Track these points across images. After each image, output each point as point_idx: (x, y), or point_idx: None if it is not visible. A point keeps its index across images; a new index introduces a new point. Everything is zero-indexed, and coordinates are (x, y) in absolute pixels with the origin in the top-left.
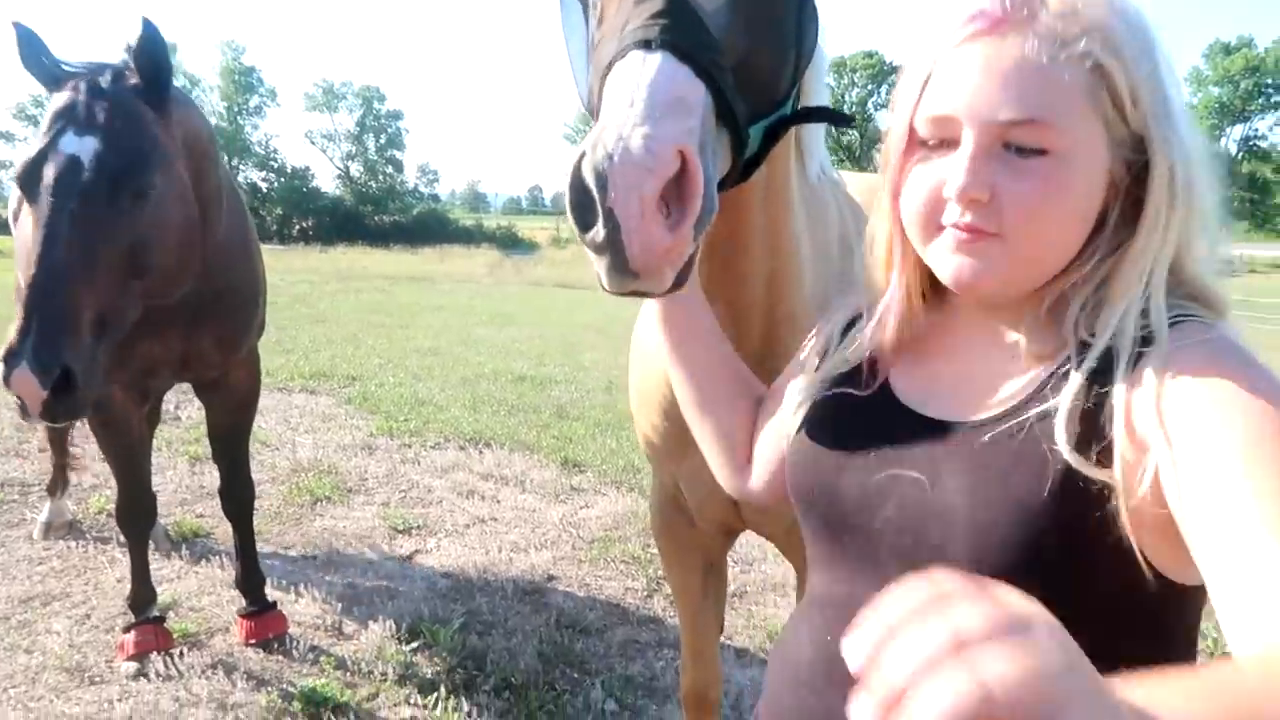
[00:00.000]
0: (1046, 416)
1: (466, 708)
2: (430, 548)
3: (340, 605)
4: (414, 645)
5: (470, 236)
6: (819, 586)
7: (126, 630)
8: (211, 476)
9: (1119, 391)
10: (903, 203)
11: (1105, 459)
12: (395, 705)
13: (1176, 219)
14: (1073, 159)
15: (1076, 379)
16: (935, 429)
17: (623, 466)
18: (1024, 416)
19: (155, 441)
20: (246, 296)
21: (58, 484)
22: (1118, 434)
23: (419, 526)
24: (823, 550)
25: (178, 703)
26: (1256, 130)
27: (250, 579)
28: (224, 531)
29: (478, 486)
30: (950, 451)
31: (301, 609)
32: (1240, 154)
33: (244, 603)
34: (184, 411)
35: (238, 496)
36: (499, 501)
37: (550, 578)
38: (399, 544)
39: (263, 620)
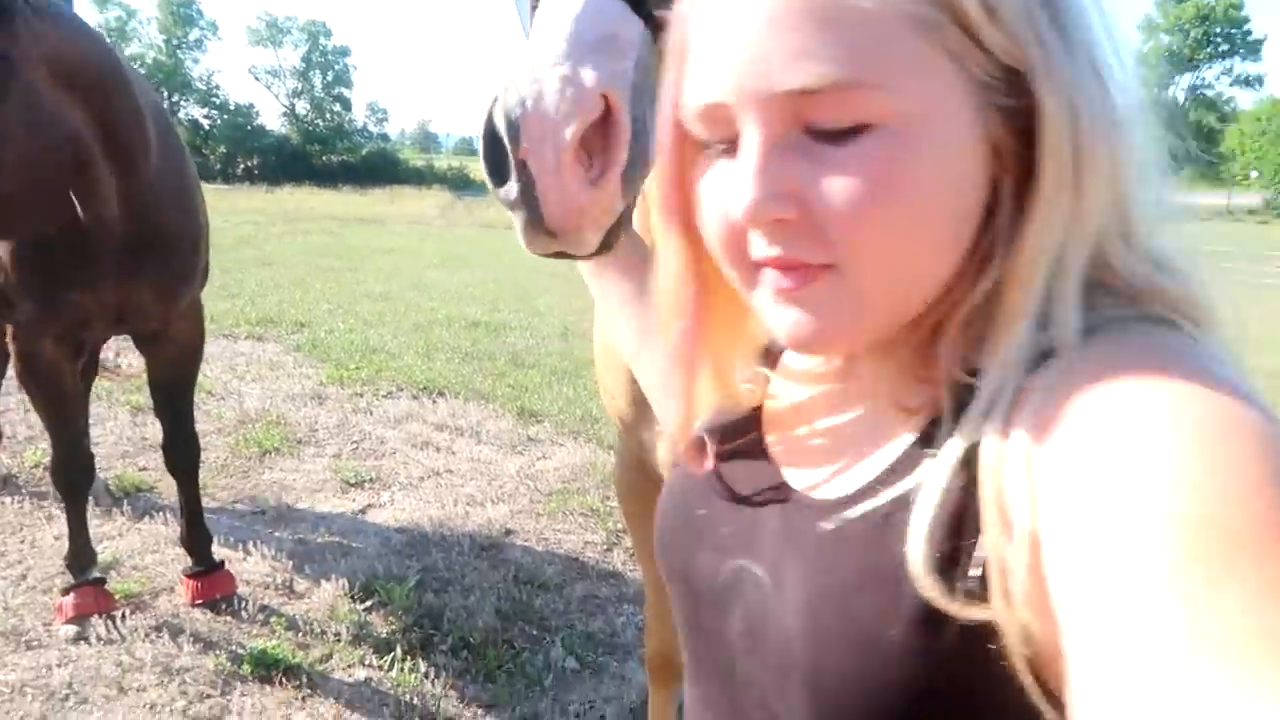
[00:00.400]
0: (904, 505)
1: (424, 668)
2: (384, 501)
3: (291, 563)
4: (368, 604)
5: (421, 177)
6: (688, 686)
7: (65, 592)
8: (154, 428)
9: (989, 454)
10: (704, 235)
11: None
12: (349, 666)
13: (1089, 185)
14: (913, 129)
15: (948, 445)
16: (789, 505)
17: (580, 416)
18: (876, 501)
19: (94, 390)
20: (185, 242)
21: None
22: (989, 528)
23: (372, 479)
24: (686, 643)
25: (120, 667)
26: (1204, 79)
27: (196, 537)
28: (168, 486)
29: (432, 437)
30: (795, 543)
31: (250, 567)
32: (1188, 102)
33: (189, 562)
34: (124, 360)
35: (182, 452)
36: (454, 453)
37: (508, 532)
38: (351, 498)
39: (210, 580)
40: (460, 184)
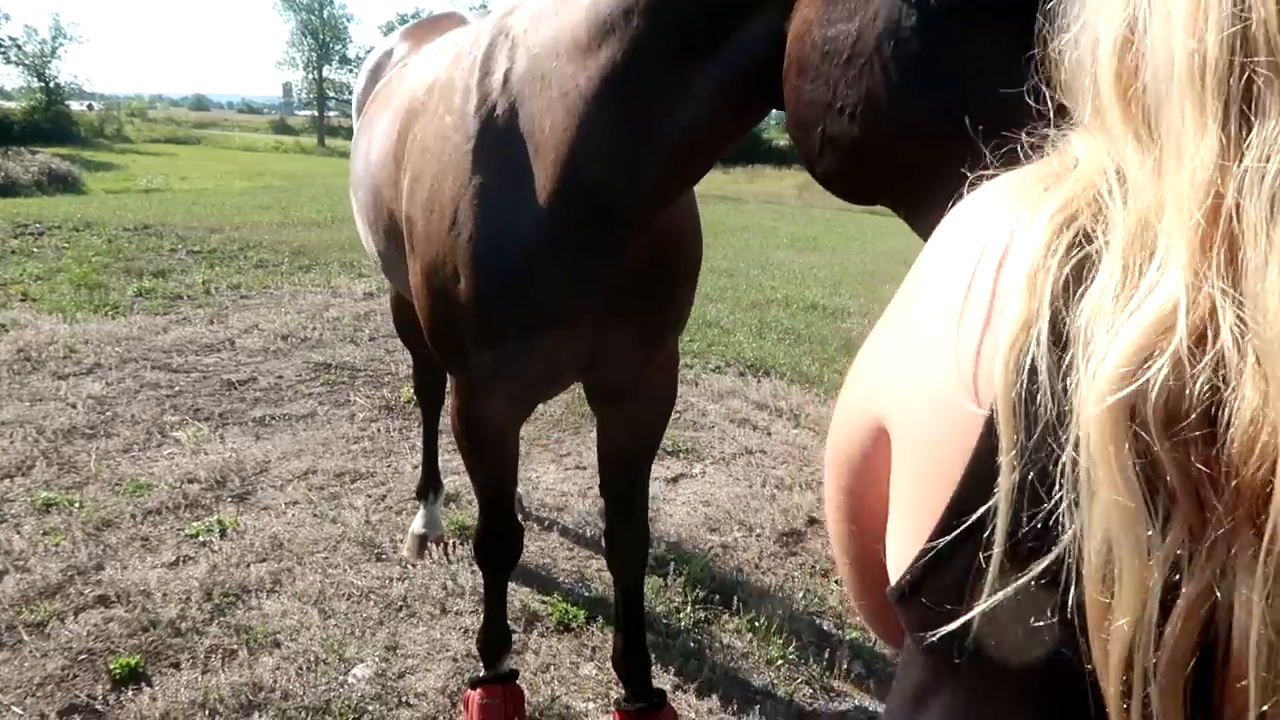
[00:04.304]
0: None
1: (707, 642)
2: (696, 473)
3: (600, 520)
4: (664, 572)
5: (782, 156)
6: None
7: (474, 686)
8: None
9: None
10: None
11: None
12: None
13: None
14: None
15: None
16: None
17: None
18: None
19: None
20: (690, 263)
21: (428, 487)
22: None
23: (688, 450)
24: None
25: (445, 591)
26: None
27: (633, 661)
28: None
29: (751, 415)
30: None
31: (567, 520)
32: None
33: (621, 691)
34: None
35: (632, 542)
36: (770, 434)
37: (811, 520)
38: (666, 465)
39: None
40: None
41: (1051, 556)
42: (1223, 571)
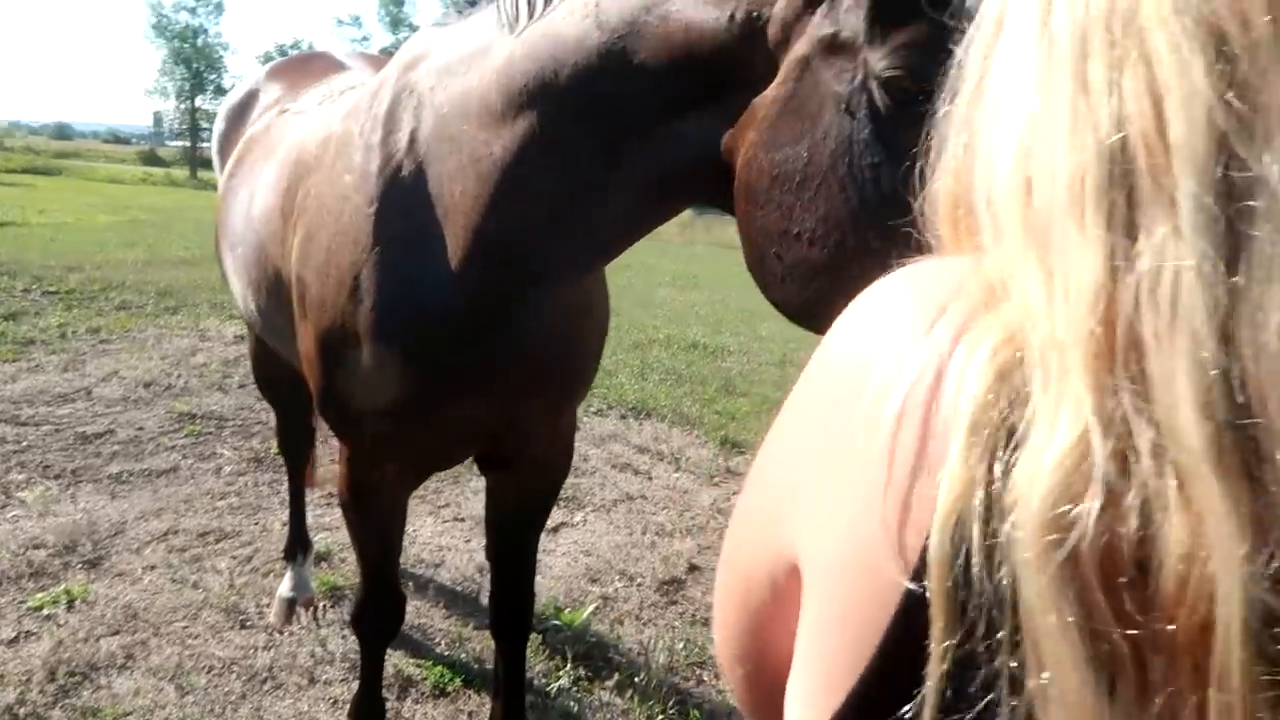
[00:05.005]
0: None
1: (587, 701)
2: (576, 521)
3: (480, 576)
4: (544, 627)
5: None
6: None
7: None
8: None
9: None
10: None
11: None
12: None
13: None
14: None
15: None
16: None
17: None
18: None
19: None
20: (603, 318)
21: (296, 546)
22: None
23: (568, 498)
24: None
25: (314, 658)
26: None
27: None
28: None
29: (633, 460)
30: None
31: (443, 575)
32: None
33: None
34: None
35: (519, 608)
36: (652, 479)
37: (693, 568)
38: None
39: None
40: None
41: None
42: None
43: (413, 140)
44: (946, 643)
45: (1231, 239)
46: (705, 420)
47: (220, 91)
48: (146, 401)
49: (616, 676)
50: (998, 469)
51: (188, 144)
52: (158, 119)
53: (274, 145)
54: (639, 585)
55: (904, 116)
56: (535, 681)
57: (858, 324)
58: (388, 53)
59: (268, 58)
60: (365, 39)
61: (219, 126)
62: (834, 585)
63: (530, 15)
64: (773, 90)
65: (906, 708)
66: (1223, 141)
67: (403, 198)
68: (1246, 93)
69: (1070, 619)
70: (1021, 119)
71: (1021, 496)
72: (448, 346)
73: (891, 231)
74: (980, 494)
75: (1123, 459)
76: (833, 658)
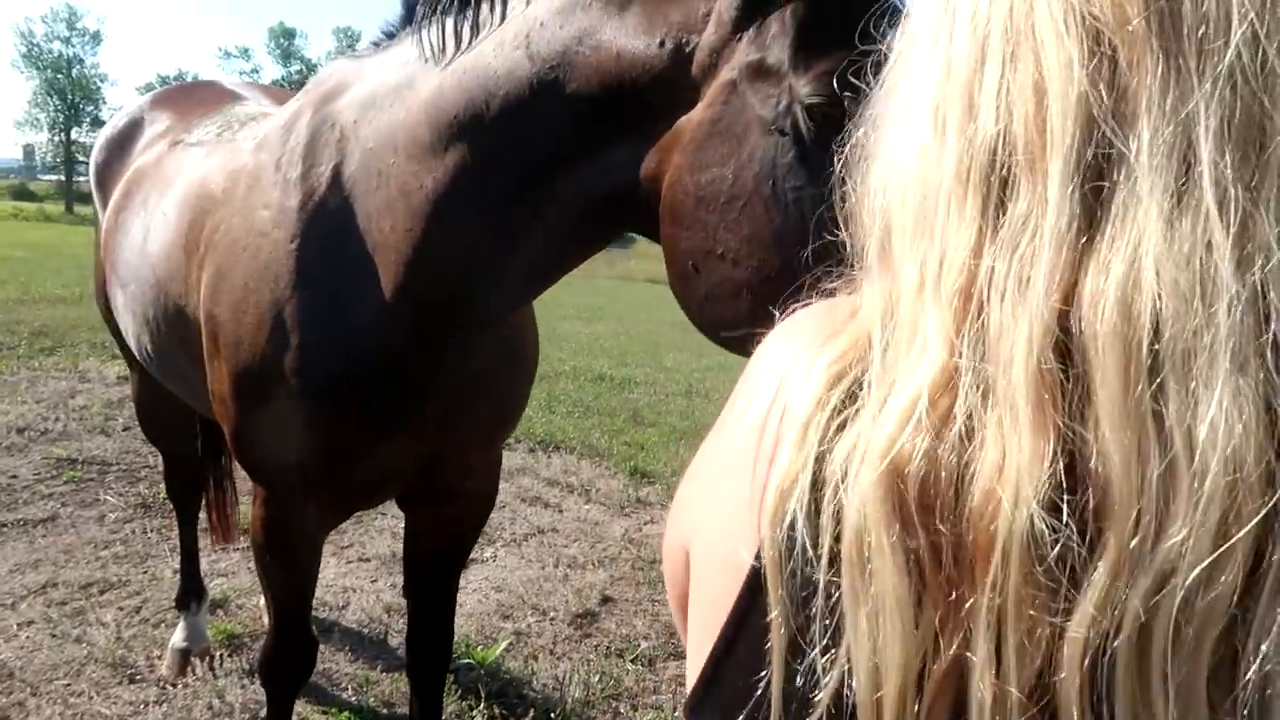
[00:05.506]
0: None
1: None
2: (487, 557)
3: (387, 616)
4: (454, 667)
5: None
6: None
7: None
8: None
9: None
10: None
11: None
12: None
13: None
14: None
15: None
16: None
17: None
18: None
19: None
20: (532, 349)
21: (189, 594)
22: None
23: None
24: None
25: (211, 711)
26: None
27: None
28: None
29: (543, 493)
30: None
31: (349, 617)
32: None
33: None
34: None
35: (438, 646)
36: (562, 511)
37: (606, 599)
38: None
39: None
40: None
41: (817, 711)
42: (966, 633)
43: (336, 175)
44: (777, 610)
45: (1087, 208)
46: (614, 451)
47: (98, 123)
48: (21, 448)
49: (532, 713)
50: (828, 451)
51: (62, 178)
52: (29, 152)
53: (170, 178)
54: (552, 619)
55: (827, 141)
56: None
57: (758, 350)
58: (280, 85)
59: (149, 88)
60: (255, 71)
61: (98, 157)
62: (705, 565)
63: (457, 47)
64: (698, 113)
65: (758, 672)
66: (1093, 127)
67: (327, 233)
68: (1118, 80)
69: (895, 531)
70: (918, 130)
71: (855, 453)
72: (377, 383)
73: (813, 252)
74: (806, 477)
75: (950, 404)
76: (704, 630)
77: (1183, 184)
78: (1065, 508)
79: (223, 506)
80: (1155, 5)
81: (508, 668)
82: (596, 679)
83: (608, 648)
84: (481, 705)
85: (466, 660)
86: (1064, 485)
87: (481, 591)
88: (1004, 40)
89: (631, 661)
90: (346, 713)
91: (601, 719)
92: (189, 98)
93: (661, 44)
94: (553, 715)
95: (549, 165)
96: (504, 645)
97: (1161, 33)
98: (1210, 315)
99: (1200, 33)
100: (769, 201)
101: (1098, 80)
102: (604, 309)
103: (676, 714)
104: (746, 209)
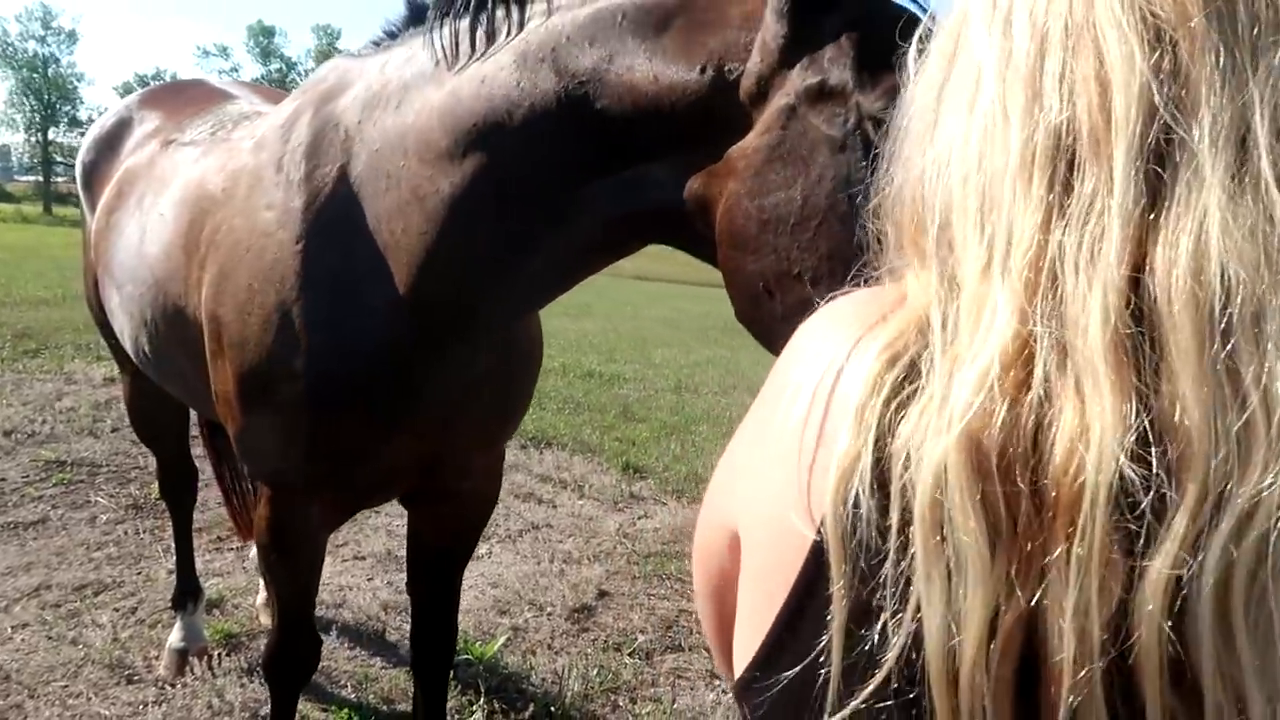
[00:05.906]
0: None
1: None
2: (482, 554)
3: (385, 614)
4: (455, 661)
5: None
6: None
7: None
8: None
9: None
10: None
11: None
12: None
13: None
14: None
15: None
16: None
17: (685, 474)
18: None
19: None
20: (537, 348)
21: (185, 594)
22: None
23: None
24: None
25: (210, 710)
26: None
27: None
28: None
29: (536, 489)
30: None
31: (345, 615)
32: None
33: None
34: None
35: (442, 643)
36: (556, 507)
37: (602, 594)
38: None
39: None
40: None
41: (883, 672)
42: (1042, 582)
43: (342, 176)
44: (841, 583)
45: (1151, 187)
46: (606, 447)
47: (75, 123)
48: (8, 451)
49: (531, 708)
50: (888, 430)
51: (40, 179)
52: (4, 153)
53: (165, 178)
54: (549, 614)
55: None
56: (450, 718)
57: (795, 339)
58: (259, 83)
59: (128, 88)
60: (234, 69)
61: (86, 157)
62: (760, 544)
63: (472, 53)
64: (754, 139)
65: (820, 640)
66: (1155, 114)
67: (334, 235)
68: (1179, 72)
69: (976, 490)
70: (978, 120)
71: (923, 425)
72: (383, 384)
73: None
74: (868, 455)
75: (1025, 369)
76: (761, 606)
77: (1242, 165)
78: (1152, 459)
79: (244, 504)
80: (1214, 4)
81: (506, 663)
82: (595, 673)
83: (605, 642)
84: (481, 700)
85: (465, 656)
86: (1148, 438)
87: (478, 588)
88: (1064, 35)
89: (629, 655)
90: (346, 710)
91: (601, 712)
92: (178, 96)
93: (703, 70)
94: (552, 709)
95: (573, 177)
96: (502, 641)
97: (1220, 29)
98: (1276, 280)
99: (1254, 30)
100: (846, 217)
101: (1159, 71)
102: (592, 306)
103: (675, 706)
104: (823, 228)
